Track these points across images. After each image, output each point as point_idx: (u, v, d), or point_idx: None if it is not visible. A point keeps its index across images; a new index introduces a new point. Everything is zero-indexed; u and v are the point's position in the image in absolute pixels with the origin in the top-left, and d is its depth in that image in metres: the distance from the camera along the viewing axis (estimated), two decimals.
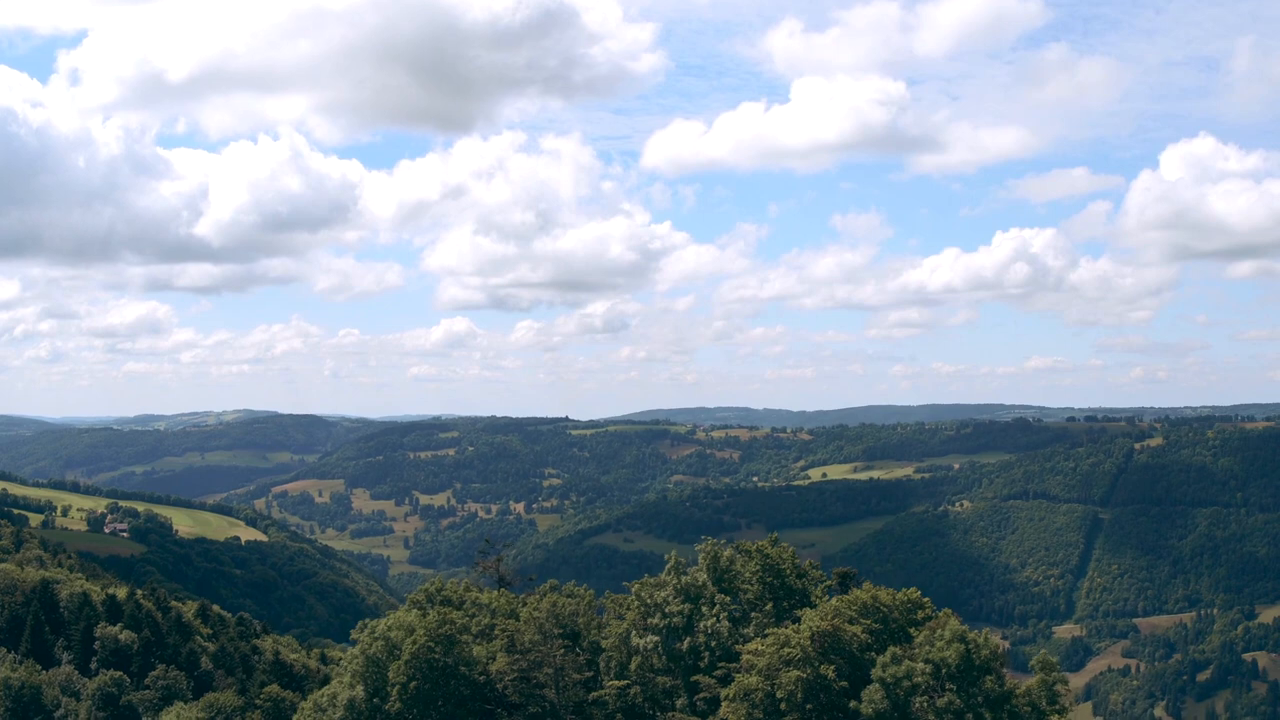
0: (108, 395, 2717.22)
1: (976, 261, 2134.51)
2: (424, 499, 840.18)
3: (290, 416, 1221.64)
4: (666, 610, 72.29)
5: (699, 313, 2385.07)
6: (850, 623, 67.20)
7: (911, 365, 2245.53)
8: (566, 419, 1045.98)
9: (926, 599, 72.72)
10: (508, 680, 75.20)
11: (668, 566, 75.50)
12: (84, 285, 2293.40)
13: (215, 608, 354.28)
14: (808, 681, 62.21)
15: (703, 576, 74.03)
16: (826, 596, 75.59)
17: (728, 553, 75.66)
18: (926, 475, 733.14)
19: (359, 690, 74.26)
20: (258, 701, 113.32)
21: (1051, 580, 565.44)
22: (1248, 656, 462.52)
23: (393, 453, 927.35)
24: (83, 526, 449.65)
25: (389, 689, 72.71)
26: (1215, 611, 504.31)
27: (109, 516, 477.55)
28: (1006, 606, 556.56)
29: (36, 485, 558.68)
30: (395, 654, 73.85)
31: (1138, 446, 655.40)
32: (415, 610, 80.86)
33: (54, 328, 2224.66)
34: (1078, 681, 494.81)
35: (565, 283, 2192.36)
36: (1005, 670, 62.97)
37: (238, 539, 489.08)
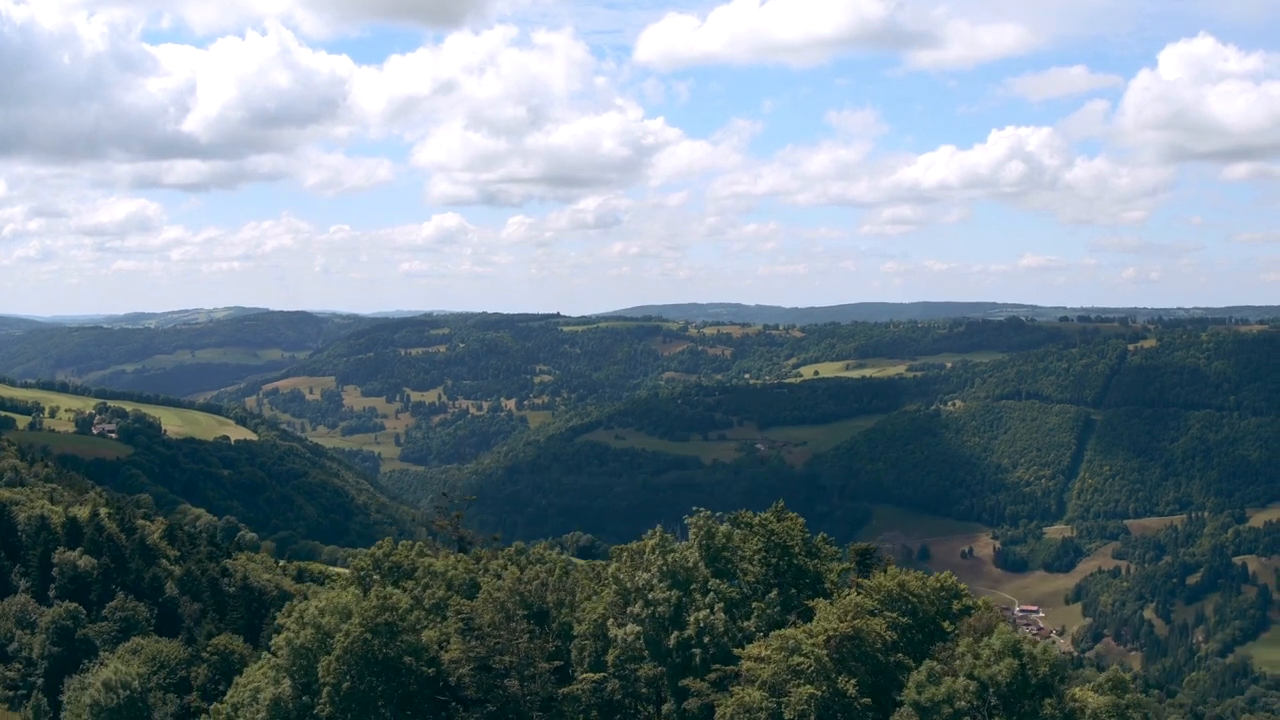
0: (97, 293, 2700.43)
1: (972, 159, 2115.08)
2: (415, 396, 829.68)
3: (281, 313, 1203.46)
4: (650, 597, 59.32)
5: (691, 209, 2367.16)
6: (872, 614, 54.76)
7: (904, 262, 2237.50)
8: (558, 315, 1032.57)
9: (963, 585, 60.02)
10: (463, 670, 62.85)
11: (650, 543, 62.20)
12: (71, 183, 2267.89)
13: (198, 511, 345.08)
14: (823, 700, 49.89)
15: (693, 556, 60.83)
16: (842, 581, 62.94)
17: (724, 528, 62.34)
18: (919, 374, 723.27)
19: (285, 687, 61.69)
20: (204, 654, 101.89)
21: (1043, 481, 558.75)
22: (1237, 560, 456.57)
23: (384, 349, 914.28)
24: (70, 428, 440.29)
25: (320, 687, 60.18)
26: (1206, 514, 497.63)
27: (97, 417, 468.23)
28: (997, 506, 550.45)
29: (25, 386, 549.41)
30: (328, 644, 61.14)
31: (1131, 348, 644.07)
32: (354, 587, 68.09)
33: (42, 226, 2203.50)
34: (1068, 583, 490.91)
35: (557, 178, 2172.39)
36: (1066, 686, 50.60)
37: (227, 438, 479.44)
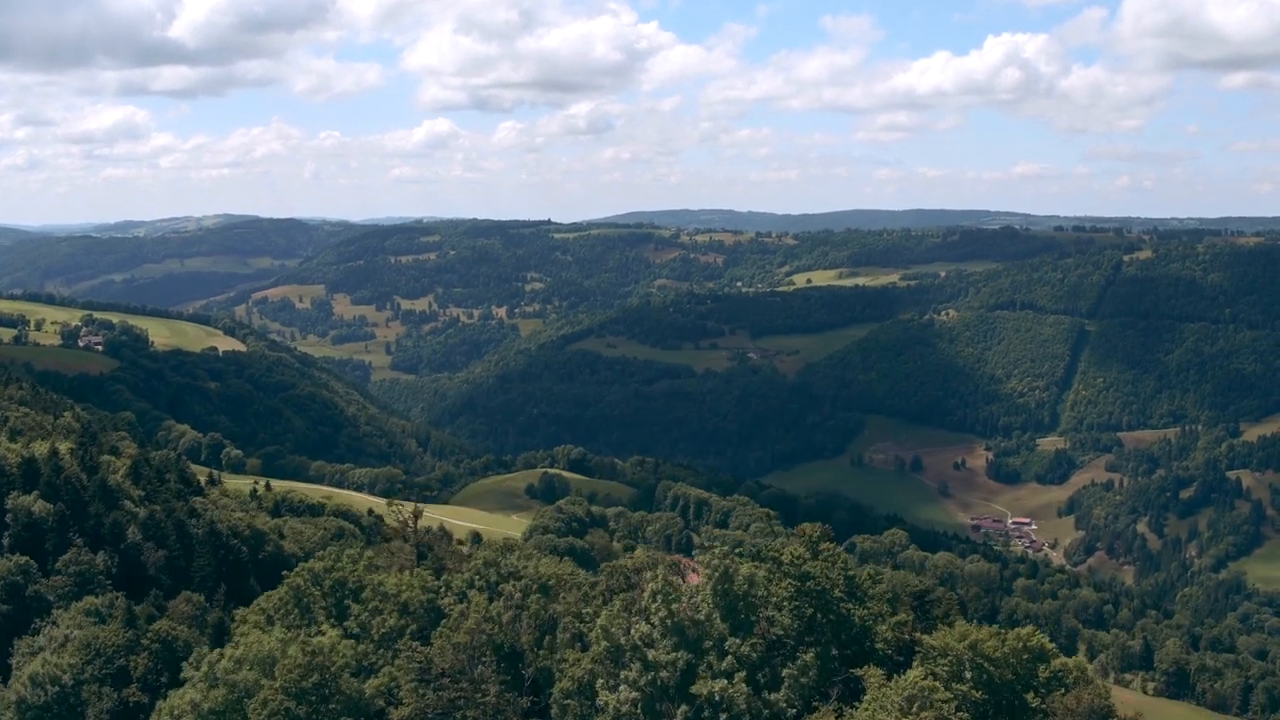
0: (87, 202, 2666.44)
1: (967, 65, 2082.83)
2: (405, 304, 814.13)
3: (270, 221, 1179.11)
4: (650, 658, 45.51)
5: (684, 114, 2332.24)
6: (939, 686, 41.26)
7: (897, 169, 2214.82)
8: (549, 222, 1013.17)
9: (1050, 643, 46.42)
10: None
11: (650, 588, 47.94)
12: (58, 91, 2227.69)
13: (183, 427, 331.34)
14: None
15: (706, 606, 46.63)
16: (896, 637, 49.00)
17: (746, 567, 47.90)
18: (912, 283, 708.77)
19: None
20: (144, 640, 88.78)
21: (1036, 392, 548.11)
22: (1231, 474, 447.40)
23: (374, 257, 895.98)
24: (56, 340, 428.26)
25: None
26: (1200, 428, 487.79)
27: (83, 329, 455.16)
28: (991, 418, 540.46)
29: (11, 298, 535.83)
30: (244, 708, 47.58)
31: (1126, 259, 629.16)
32: (281, 628, 54.20)
33: (30, 135, 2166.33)
34: (1060, 495, 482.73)
35: (549, 83, 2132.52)
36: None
37: (215, 349, 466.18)
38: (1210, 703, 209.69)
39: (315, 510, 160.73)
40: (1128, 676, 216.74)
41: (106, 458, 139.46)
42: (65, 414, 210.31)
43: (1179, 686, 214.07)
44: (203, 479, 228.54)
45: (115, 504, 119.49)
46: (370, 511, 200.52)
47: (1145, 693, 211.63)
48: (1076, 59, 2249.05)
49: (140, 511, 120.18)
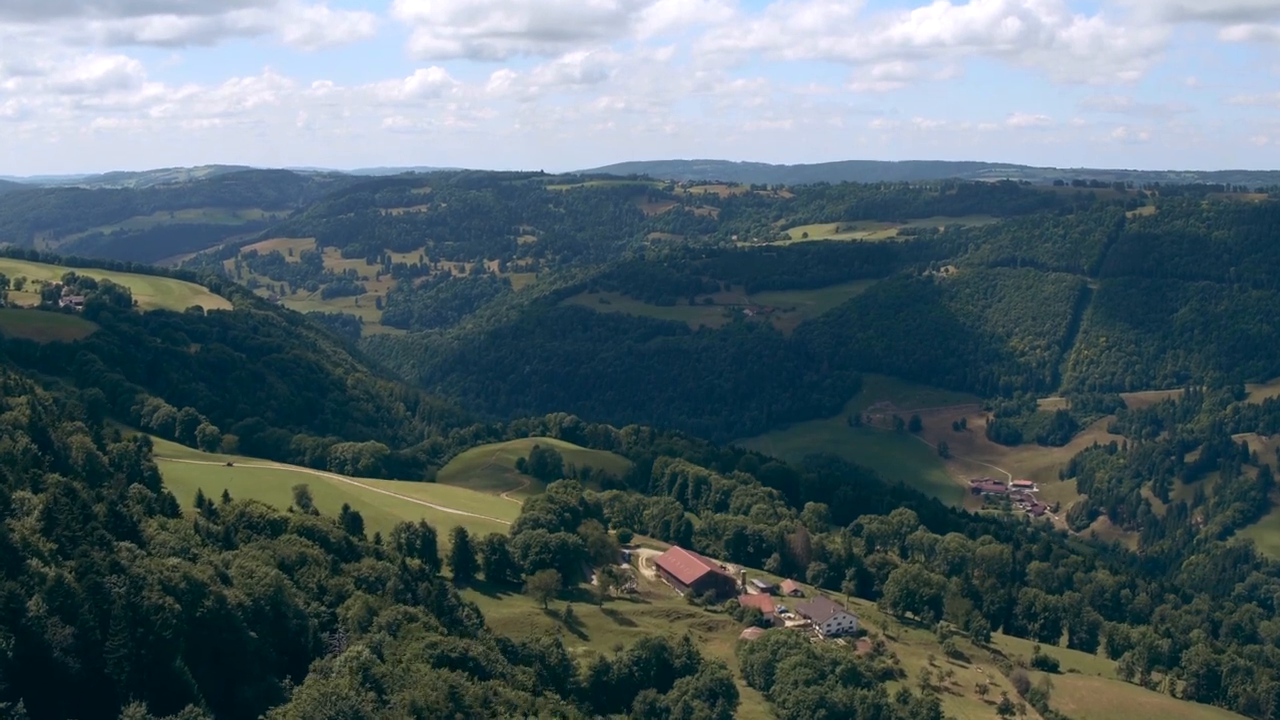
0: (77, 152, 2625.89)
1: (966, 14, 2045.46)
2: (396, 257, 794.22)
3: (261, 171, 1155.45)
4: None
5: (679, 63, 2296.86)
6: None
7: (893, 119, 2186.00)
8: (542, 173, 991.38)
9: None
10: None
11: None
12: (46, 41, 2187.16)
13: (157, 401, 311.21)
14: None
15: None
16: None
17: None
18: (910, 238, 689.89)
19: None
20: None
21: (1038, 351, 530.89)
22: (1237, 438, 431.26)
23: (364, 209, 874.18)
24: (36, 300, 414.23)
25: None
26: (1205, 389, 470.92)
27: (65, 289, 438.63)
28: (991, 377, 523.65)
29: None
30: None
31: (1129, 215, 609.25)
32: None
33: (19, 85, 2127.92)
34: (1063, 456, 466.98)
35: (542, 31, 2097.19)
36: None
37: (199, 308, 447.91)
38: (1243, 706, 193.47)
39: (277, 527, 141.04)
40: (1154, 677, 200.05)
41: (20, 494, 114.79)
42: (20, 400, 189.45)
43: (1209, 688, 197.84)
44: (156, 459, 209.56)
45: (19, 566, 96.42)
46: (345, 510, 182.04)
47: (1174, 694, 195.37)
48: (1077, 9, 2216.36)
49: (49, 573, 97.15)
